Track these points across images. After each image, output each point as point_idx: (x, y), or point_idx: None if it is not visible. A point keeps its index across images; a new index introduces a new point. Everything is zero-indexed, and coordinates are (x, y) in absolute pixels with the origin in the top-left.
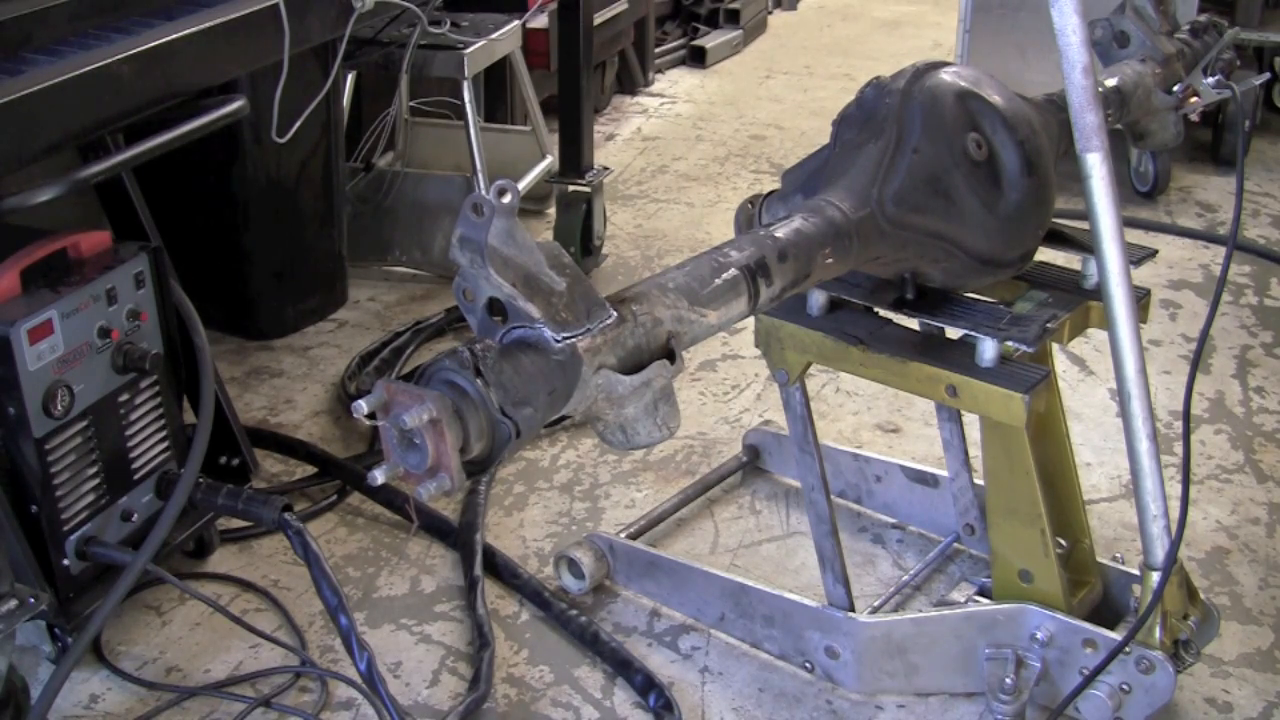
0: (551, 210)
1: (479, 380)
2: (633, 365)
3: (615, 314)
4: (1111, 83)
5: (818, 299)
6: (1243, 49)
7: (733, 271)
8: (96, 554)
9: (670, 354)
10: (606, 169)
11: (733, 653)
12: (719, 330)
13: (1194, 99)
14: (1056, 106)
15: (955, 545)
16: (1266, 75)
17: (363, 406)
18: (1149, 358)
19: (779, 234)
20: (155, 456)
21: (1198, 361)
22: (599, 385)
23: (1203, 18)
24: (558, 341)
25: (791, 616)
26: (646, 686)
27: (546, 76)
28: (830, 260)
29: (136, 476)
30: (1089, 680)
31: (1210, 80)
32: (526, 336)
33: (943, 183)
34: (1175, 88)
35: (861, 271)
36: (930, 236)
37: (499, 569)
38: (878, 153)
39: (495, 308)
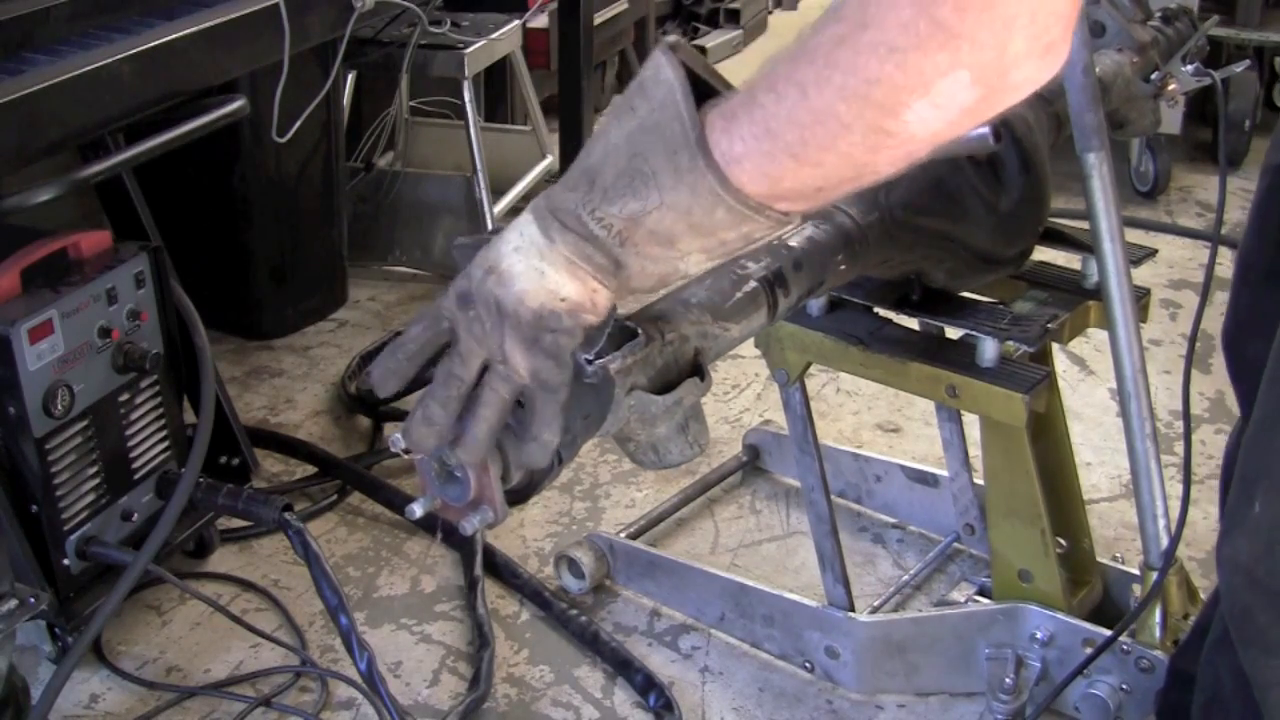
0: None
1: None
2: (662, 384)
3: (642, 333)
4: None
5: (818, 299)
6: (1243, 49)
7: (752, 284)
8: (97, 554)
9: (699, 371)
10: None
11: (733, 652)
12: (740, 343)
13: (1172, 86)
14: (1044, 100)
15: (955, 545)
16: (1248, 62)
17: (400, 440)
18: (1149, 357)
19: (793, 243)
20: (155, 456)
21: (1191, 358)
22: (631, 406)
23: (1173, 4)
24: (589, 364)
25: (791, 616)
26: (647, 686)
27: (547, 76)
28: (843, 267)
29: (137, 476)
30: (1078, 670)
31: (1189, 68)
32: None
33: (947, 184)
34: (1153, 75)
35: (866, 274)
36: (936, 237)
37: (499, 569)
38: None
39: None
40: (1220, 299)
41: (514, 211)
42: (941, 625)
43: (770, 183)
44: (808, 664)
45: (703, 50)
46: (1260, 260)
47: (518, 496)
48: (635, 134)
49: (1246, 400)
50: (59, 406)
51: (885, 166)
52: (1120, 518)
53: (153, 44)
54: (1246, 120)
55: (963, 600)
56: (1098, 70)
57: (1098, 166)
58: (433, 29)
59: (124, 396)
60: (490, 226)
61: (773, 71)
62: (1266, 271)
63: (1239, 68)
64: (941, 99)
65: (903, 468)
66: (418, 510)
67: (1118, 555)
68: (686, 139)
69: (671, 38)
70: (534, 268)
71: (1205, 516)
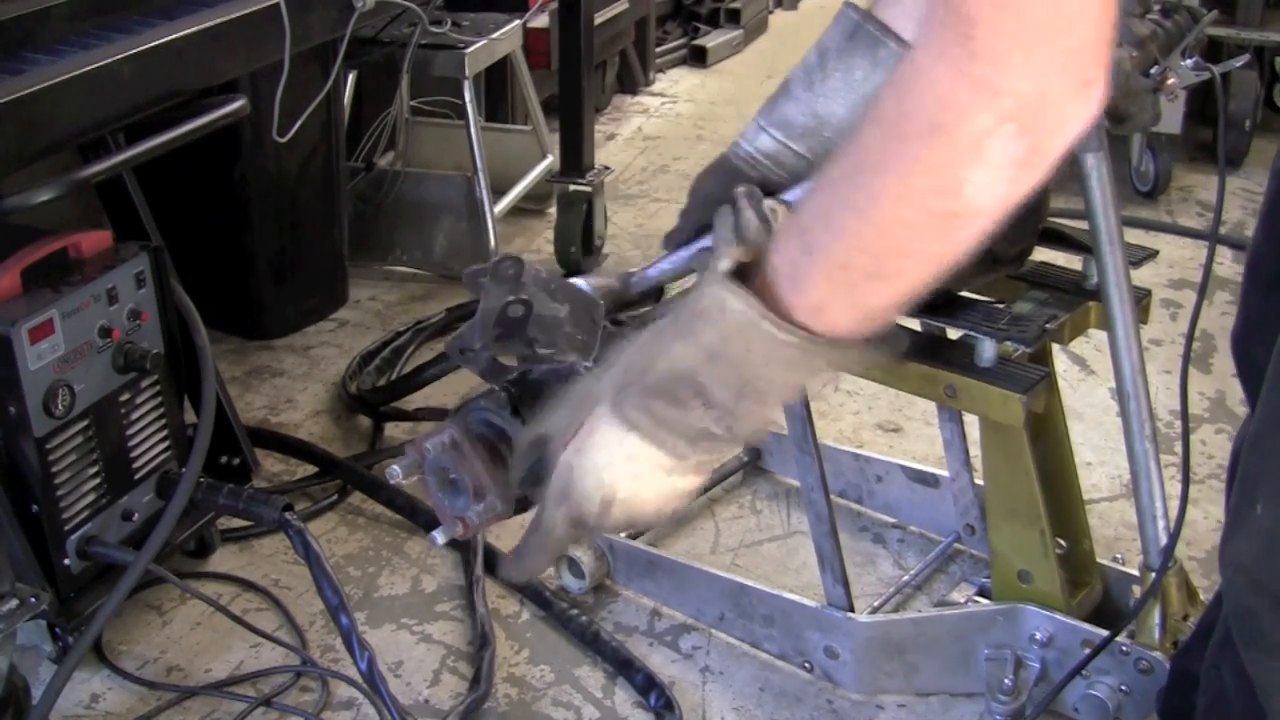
0: (552, 210)
1: (517, 419)
2: None
3: None
4: None
5: None
6: (1243, 49)
7: None
8: (97, 554)
9: None
10: (607, 169)
11: (733, 652)
12: None
13: (1171, 80)
14: None
15: (955, 545)
16: (1247, 56)
17: (397, 472)
18: (1149, 358)
19: None
20: (156, 456)
21: (1188, 358)
22: None
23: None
24: (588, 369)
25: (791, 616)
26: (647, 686)
27: (547, 76)
28: None
29: (137, 476)
30: (1076, 670)
31: (1188, 62)
32: (557, 369)
33: None
34: (1152, 70)
35: None
36: None
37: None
38: None
39: None
40: (1219, 299)
41: (514, 212)
42: (941, 626)
43: (861, 312)
44: (807, 664)
45: (703, 50)
46: (1270, 263)
47: (520, 506)
48: (720, 358)
49: (1254, 401)
50: (59, 406)
51: (964, 248)
52: (1120, 518)
53: (153, 44)
54: (1247, 120)
55: (962, 601)
56: None
57: (1096, 167)
58: (433, 29)
59: (124, 396)
60: (490, 225)
61: (817, 201)
62: (1277, 275)
63: (1238, 62)
64: (994, 158)
65: (903, 468)
66: (439, 538)
67: (1118, 555)
68: (806, 361)
69: (725, 264)
70: (668, 485)
71: (1205, 516)
